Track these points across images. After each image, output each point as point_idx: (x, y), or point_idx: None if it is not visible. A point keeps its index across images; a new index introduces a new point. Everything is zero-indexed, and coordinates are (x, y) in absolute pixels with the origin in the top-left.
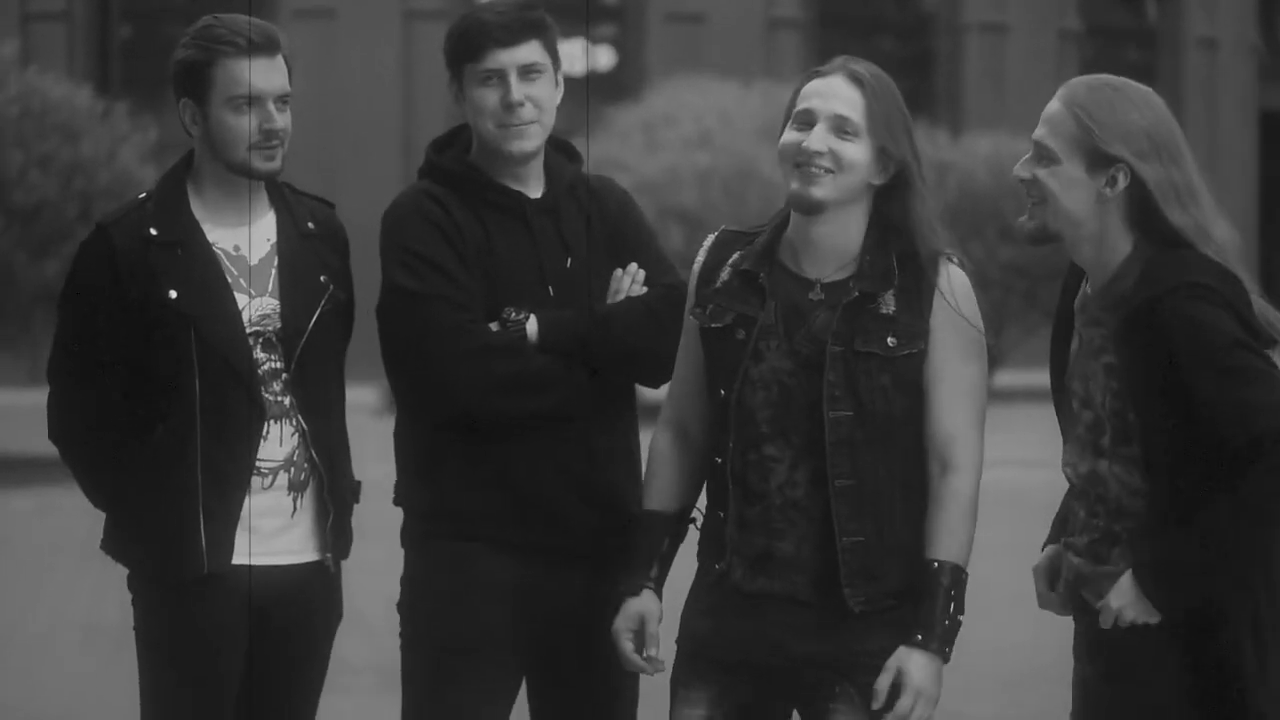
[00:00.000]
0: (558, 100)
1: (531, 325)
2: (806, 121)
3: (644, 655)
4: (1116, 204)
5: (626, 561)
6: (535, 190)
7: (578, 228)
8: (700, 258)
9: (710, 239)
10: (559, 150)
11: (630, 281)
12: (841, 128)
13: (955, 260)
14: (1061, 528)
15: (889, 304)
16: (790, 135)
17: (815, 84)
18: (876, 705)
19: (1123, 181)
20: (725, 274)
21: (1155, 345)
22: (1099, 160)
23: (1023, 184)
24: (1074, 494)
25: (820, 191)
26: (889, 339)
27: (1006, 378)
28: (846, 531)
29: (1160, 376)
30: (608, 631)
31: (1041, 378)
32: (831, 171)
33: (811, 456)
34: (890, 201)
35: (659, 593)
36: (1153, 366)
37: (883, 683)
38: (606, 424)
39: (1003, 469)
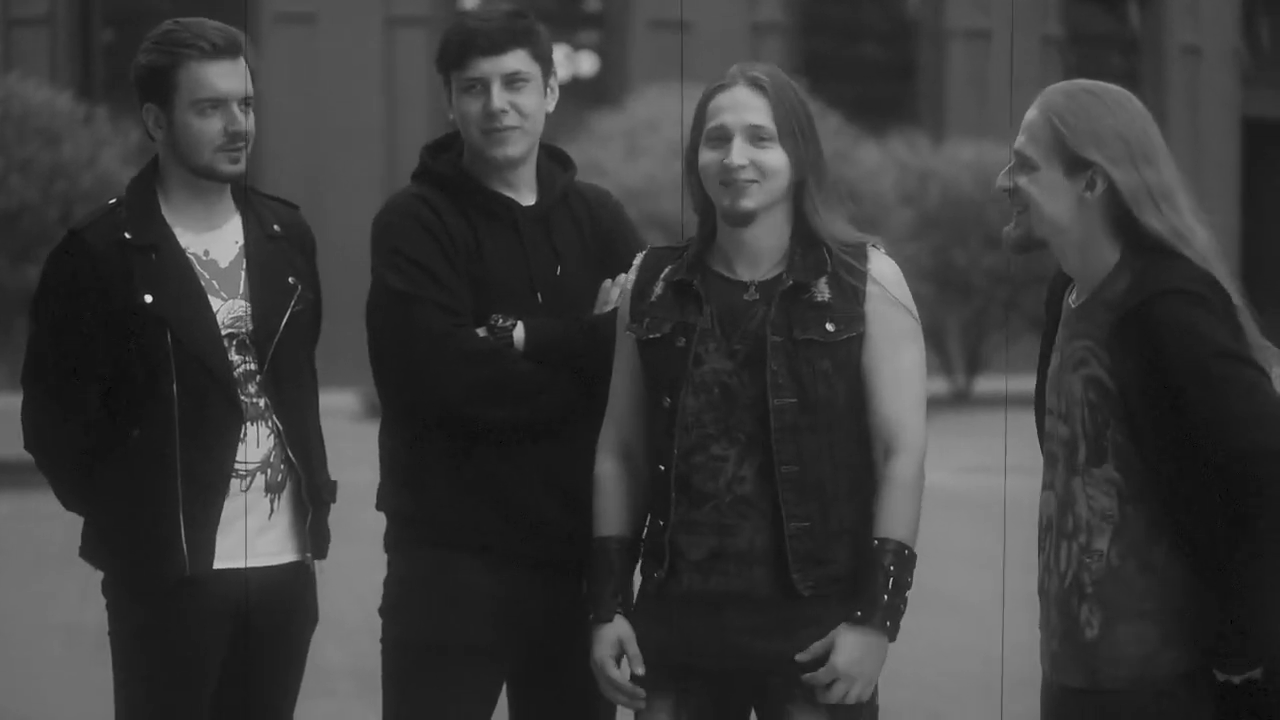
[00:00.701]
0: (550, 108)
1: (519, 332)
2: (722, 137)
3: (632, 675)
4: (1098, 208)
5: (592, 592)
6: (528, 198)
7: (569, 236)
8: (631, 276)
9: (639, 258)
10: (553, 159)
11: (619, 293)
12: (758, 135)
13: (882, 249)
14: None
15: (823, 292)
16: (709, 155)
17: (720, 98)
18: (802, 658)
19: (1101, 185)
20: (659, 288)
21: (1146, 348)
22: (1075, 164)
23: (1006, 194)
24: (1043, 527)
25: (750, 202)
26: (827, 324)
27: (989, 383)
28: (793, 517)
29: (1151, 382)
30: (587, 636)
31: (1023, 383)
32: (756, 181)
33: (757, 450)
34: (802, 197)
35: (626, 616)
36: (1143, 371)
37: (816, 648)
38: (590, 432)
39: (984, 475)
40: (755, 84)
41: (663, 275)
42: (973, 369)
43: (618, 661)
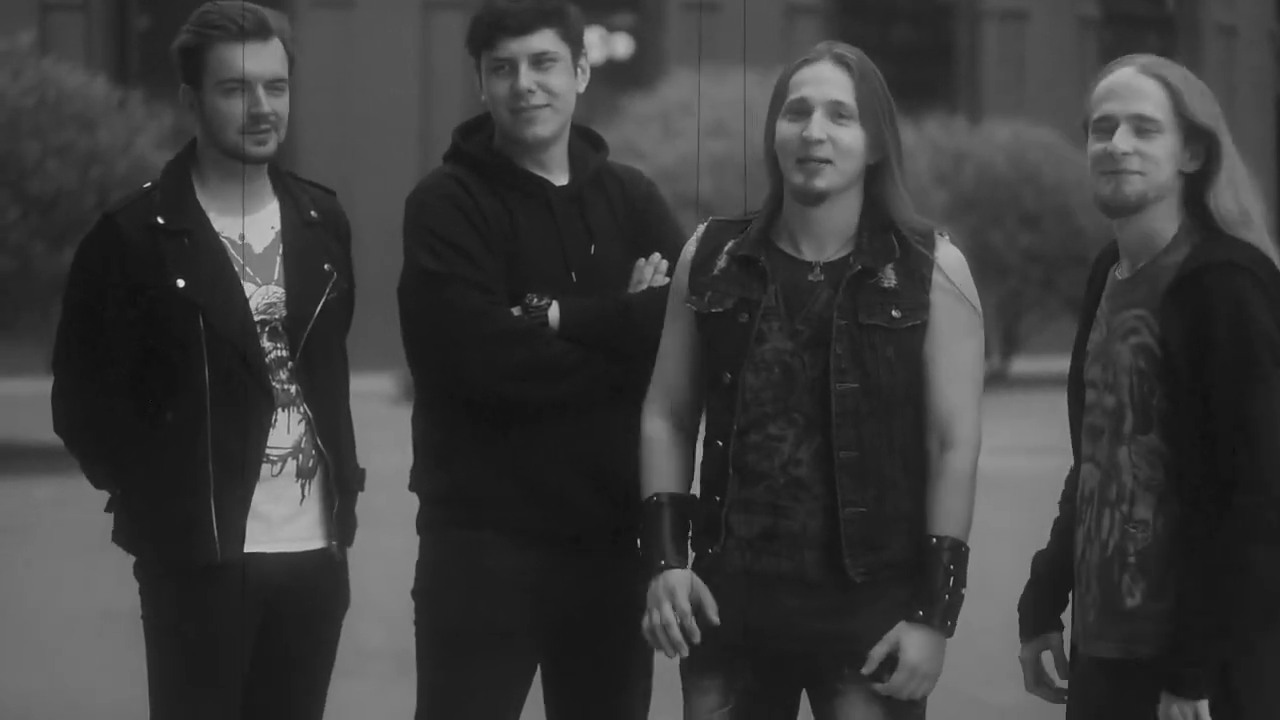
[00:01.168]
0: (580, 88)
1: (554, 311)
2: (802, 110)
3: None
4: (1181, 180)
5: (652, 543)
6: (560, 178)
7: (602, 216)
8: (691, 248)
9: (700, 229)
10: (584, 139)
11: (653, 272)
12: (838, 112)
13: (948, 237)
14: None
15: (890, 278)
16: (788, 127)
17: (804, 72)
18: (867, 670)
19: (1201, 157)
20: (722, 261)
21: (1198, 313)
22: (1192, 133)
23: (1121, 157)
24: (1083, 498)
25: (824, 182)
26: (893, 311)
27: (1024, 364)
28: (849, 502)
29: (1195, 349)
30: (621, 619)
31: (1059, 364)
32: (831, 161)
33: (814, 432)
34: (875, 182)
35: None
36: (1190, 337)
37: (878, 651)
38: (622, 413)
39: (1019, 456)
40: (840, 60)
41: (726, 249)
42: (1009, 350)
43: (673, 605)
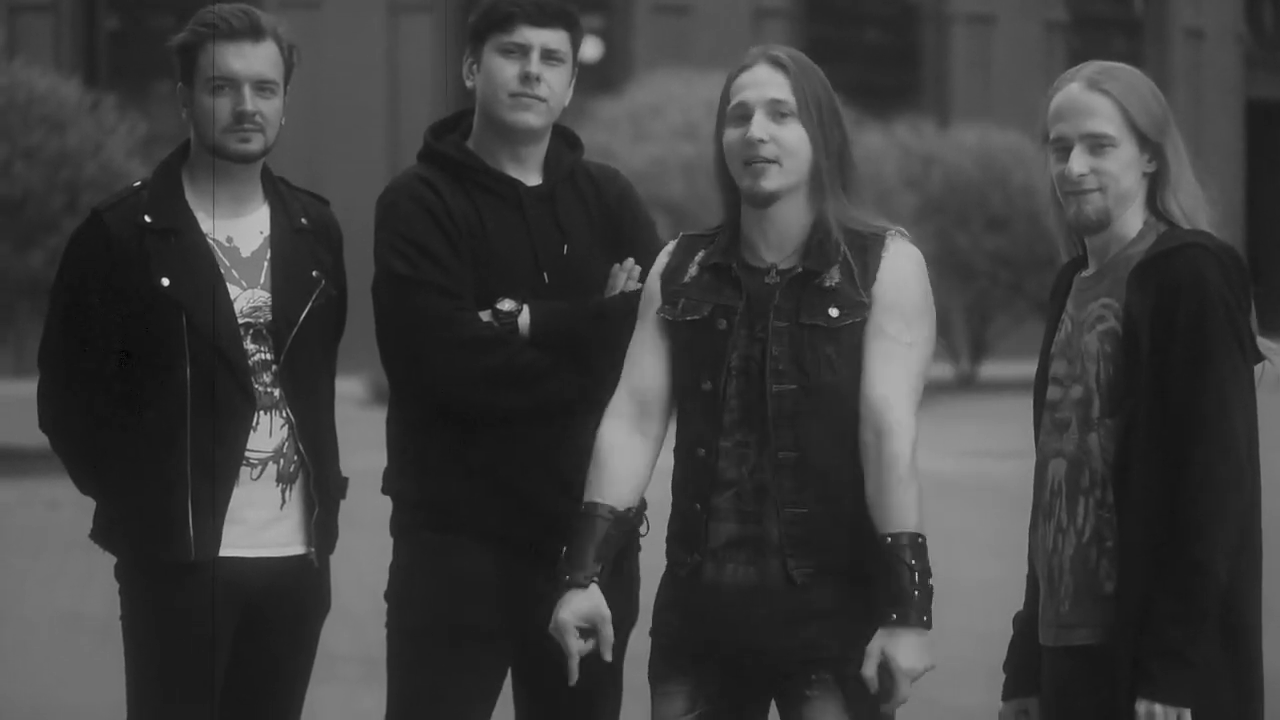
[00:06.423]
0: (567, 100)
1: (524, 318)
2: (743, 115)
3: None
4: (1145, 184)
5: (572, 553)
6: (534, 178)
7: (576, 215)
8: (663, 259)
9: (672, 243)
10: (560, 138)
11: (626, 278)
12: (778, 111)
13: (905, 237)
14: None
15: (832, 277)
16: (732, 133)
17: (742, 78)
18: (872, 690)
19: (1156, 162)
20: (693, 270)
21: (1163, 288)
22: (1143, 142)
23: (1079, 179)
24: (1052, 492)
25: (771, 182)
26: (831, 310)
27: (993, 368)
28: (789, 504)
29: (1159, 321)
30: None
31: (1027, 368)
32: (776, 161)
33: (769, 436)
34: (819, 179)
35: (602, 589)
36: (1152, 311)
37: (870, 670)
38: (594, 419)
39: (989, 460)
40: (775, 62)
41: (697, 259)
42: (977, 354)
43: (583, 634)
